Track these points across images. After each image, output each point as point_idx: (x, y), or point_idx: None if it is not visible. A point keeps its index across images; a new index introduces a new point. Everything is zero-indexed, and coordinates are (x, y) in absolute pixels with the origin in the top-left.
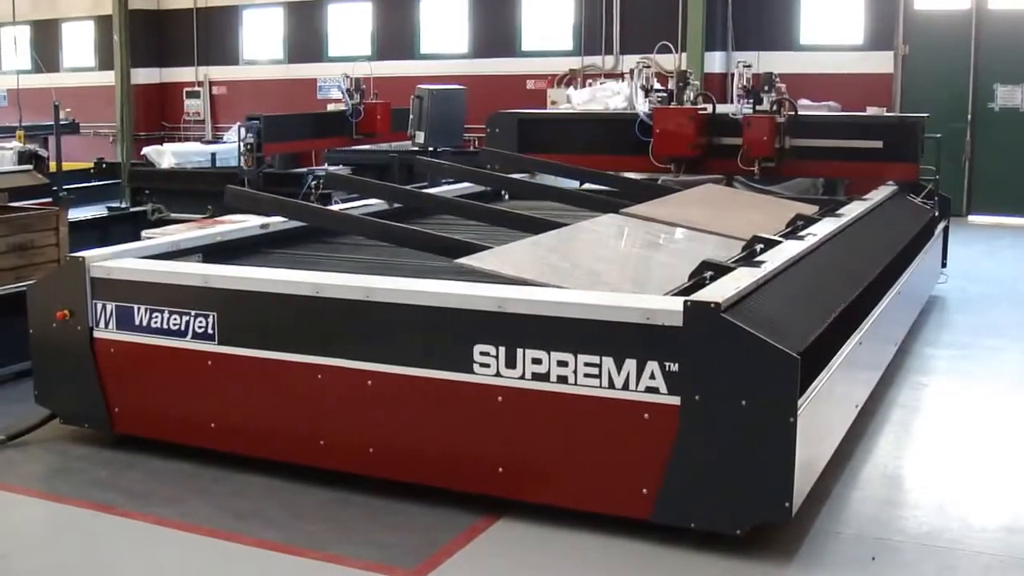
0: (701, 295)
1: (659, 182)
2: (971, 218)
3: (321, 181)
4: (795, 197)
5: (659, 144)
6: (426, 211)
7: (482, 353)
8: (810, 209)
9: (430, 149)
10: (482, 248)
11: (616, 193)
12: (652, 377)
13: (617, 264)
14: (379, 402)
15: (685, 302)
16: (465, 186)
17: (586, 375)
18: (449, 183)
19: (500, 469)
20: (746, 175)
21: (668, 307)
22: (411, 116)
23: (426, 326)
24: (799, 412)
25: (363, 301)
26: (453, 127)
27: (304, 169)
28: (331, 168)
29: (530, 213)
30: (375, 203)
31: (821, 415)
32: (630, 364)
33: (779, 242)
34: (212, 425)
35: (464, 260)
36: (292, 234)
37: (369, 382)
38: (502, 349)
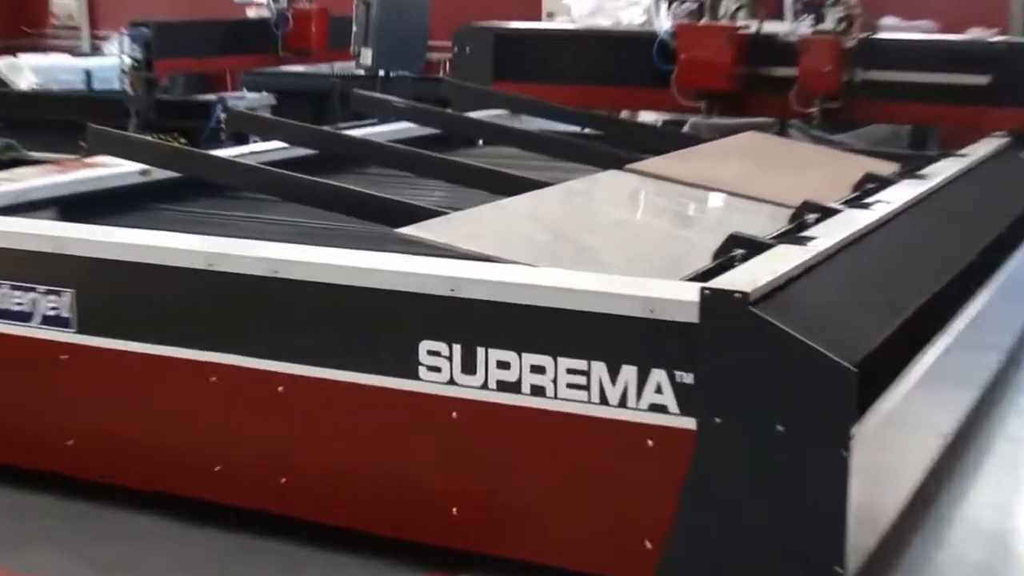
0: (725, 281)
1: (684, 128)
2: None
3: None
4: (868, 151)
5: (685, 74)
6: (366, 162)
7: (430, 352)
8: (887, 168)
9: (381, 73)
10: (434, 214)
11: (623, 142)
12: (658, 391)
13: (616, 238)
14: (293, 416)
15: (703, 290)
16: (424, 130)
17: (570, 386)
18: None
19: (454, 510)
20: (802, 119)
21: (680, 296)
22: (354, 28)
23: (356, 314)
24: (856, 442)
25: (271, 279)
26: (412, 44)
27: (213, 96)
28: (249, 96)
29: (504, 168)
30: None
31: (889, 447)
32: (628, 372)
33: (838, 211)
34: (69, 443)
35: (407, 230)
36: (184, 184)
37: (280, 388)
38: (457, 348)
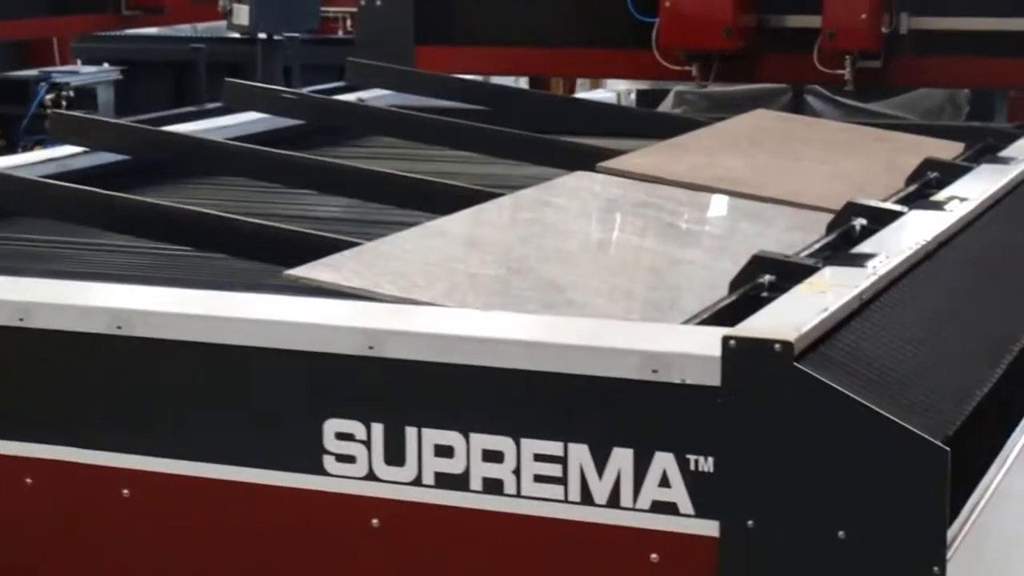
0: (756, 325)
1: (670, 103)
2: None
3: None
4: (918, 125)
5: (670, 28)
6: (235, 169)
7: (340, 436)
8: (948, 149)
9: (261, 36)
10: (337, 245)
11: (590, 130)
12: (664, 483)
13: (593, 267)
14: (145, 528)
15: (726, 340)
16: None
17: (538, 479)
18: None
19: None
20: (829, 84)
21: (693, 349)
22: None
23: (231, 385)
24: (953, 553)
25: (111, 336)
26: None
27: (35, 71)
28: (85, 71)
29: (424, 173)
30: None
31: (1002, 558)
32: (622, 458)
33: (898, 215)
34: None
35: (303, 271)
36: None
37: (125, 491)
38: (378, 429)
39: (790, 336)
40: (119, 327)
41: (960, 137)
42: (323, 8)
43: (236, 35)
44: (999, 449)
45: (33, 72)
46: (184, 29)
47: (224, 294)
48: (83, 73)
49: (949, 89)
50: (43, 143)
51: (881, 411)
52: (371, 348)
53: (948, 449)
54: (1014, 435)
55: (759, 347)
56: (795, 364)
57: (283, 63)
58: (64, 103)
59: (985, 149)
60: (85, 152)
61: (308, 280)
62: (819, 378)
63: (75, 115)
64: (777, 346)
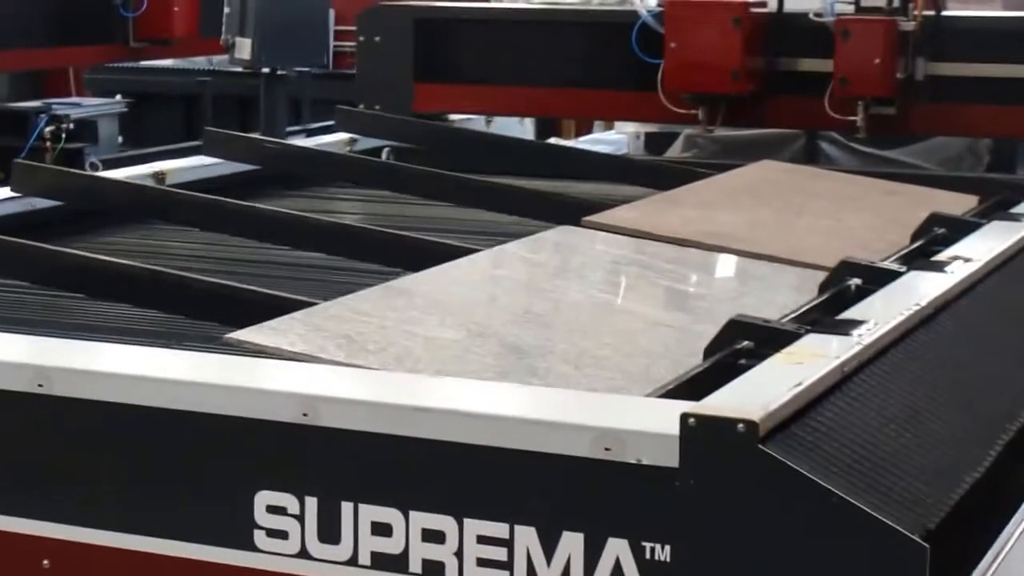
0: (720, 401)
1: (680, 147)
2: None
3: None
4: (933, 176)
5: (676, 70)
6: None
7: (272, 510)
8: (960, 203)
9: (265, 71)
10: (288, 305)
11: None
12: (618, 572)
13: (565, 331)
14: None
15: (684, 417)
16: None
17: (482, 562)
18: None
19: None
20: (843, 131)
21: (647, 425)
22: (226, 9)
23: (158, 451)
24: None
25: (32, 395)
26: (309, 32)
27: (37, 103)
28: (88, 103)
29: (402, 231)
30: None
31: None
32: (571, 543)
33: (895, 275)
34: None
35: (246, 334)
36: None
37: (45, 562)
38: (311, 503)
39: (755, 415)
40: (41, 383)
41: (977, 189)
42: (339, 43)
43: (239, 69)
44: (992, 540)
45: (34, 104)
46: (199, 61)
47: (150, 351)
48: (85, 105)
49: (966, 137)
50: None
51: (854, 501)
52: (305, 415)
53: (927, 546)
54: (1010, 525)
55: (720, 426)
56: (759, 446)
57: (287, 98)
58: (64, 136)
59: (999, 204)
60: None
61: (249, 344)
62: (785, 462)
63: (32, 165)
64: (740, 426)
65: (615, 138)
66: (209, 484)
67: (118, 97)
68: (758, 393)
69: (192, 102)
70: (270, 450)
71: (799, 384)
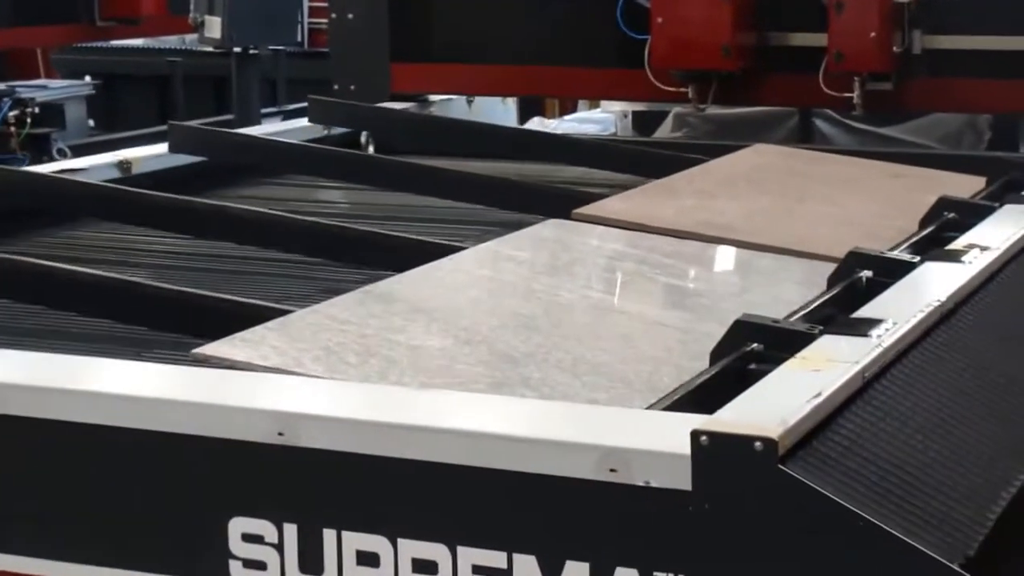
0: (732, 416)
1: (670, 126)
2: None
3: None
4: (934, 154)
5: (663, 47)
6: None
7: (248, 538)
8: (969, 185)
9: (237, 51)
10: (260, 314)
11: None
12: None
13: (556, 335)
14: None
15: (696, 435)
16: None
17: None
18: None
19: None
20: (838, 108)
21: (655, 444)
22: None
23: (120, 477)
24: None
25: None
26: (281, 9)
27: (1, 86)
28: (54, 85)
29: (382, 220)
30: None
31: None
32: (575, 573)
33: (909, 266)
34: None
35: (210, 349)
36: None
37: None
38: (291, 531)
39: (773, 431)
40: None
41: (981, 169)
42: (313, 20)
43: (209, 49)
44: None
45: None
46: (172, 41)
47: (109, 363)
48: (51, 88)
49: (966, 113)
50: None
51: (885, 526)
52: (281, 435)
53: (964, 574)
54: None
55: (736, 445)
56: (780, 467)
57: (261, 79)
58: (29, 120)
59: (1008, 185)
60: None
61: (219, 359)
62: (808, 483)
63: None
64: (758, 444)
65: (601, 117)
66: (178, 511)
67: (87, 79)
68: (774, 406)
69: (165, 83)
70: (244, 473)
71: (818, 395)
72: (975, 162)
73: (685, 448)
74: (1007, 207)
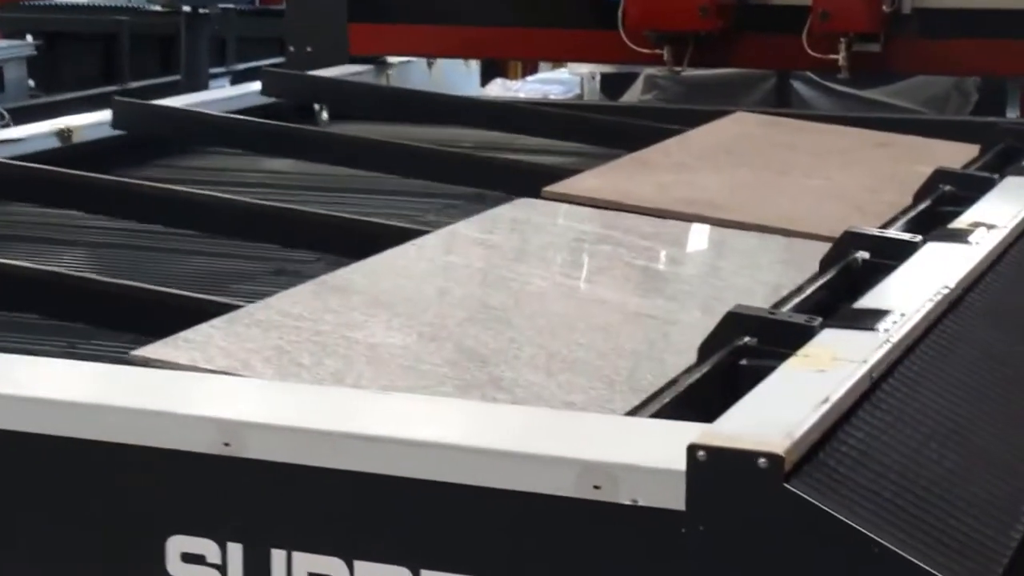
0: (731, 427)
1: (640, 89)
2: None
3: None
4: (922, 119)
5: (638, 7)
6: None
7: (188, 559)
8: (962, 153)
9: (186, 9)
10: (208, 309)
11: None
12: None
13: (529, 328)
14: None
15: (692, 450)
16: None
17: None
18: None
19: None
20: (822, 71)
21: (645, 458)
22: None
23: (47, 490)
24: None
25: None
26: None
27: None
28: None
29: (338, 195)
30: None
31: None
32: None
33: (909, 247)
34: None
35: (150, 351)
36: None
37: None
38: (236, 551)
39: (778, 446)
40: None
41: (972, 135)
42: None
43: (157, 7)
44: None
45: None
46: None
47: (35, 363)
48: None
49: (953, 76)
50: None
51: (904, 553)
52: (227, 445)
53: None
54: None
55: (737, 460)
56: (785, 485)
57: (210, 38)
58: None
59: (1004, 154)
60: None
61: (160, 362)
62: (818, 505)
63: None
64: (762, 460)
65: (566, 78)
66: (111, 528)
67: (28, 38)
68: (778, 414)
69: (110, 42)
70: (185, 486)
71: (826, 400)
72: (967, 128)
73: (679, 463)
74: (1009, 179)
